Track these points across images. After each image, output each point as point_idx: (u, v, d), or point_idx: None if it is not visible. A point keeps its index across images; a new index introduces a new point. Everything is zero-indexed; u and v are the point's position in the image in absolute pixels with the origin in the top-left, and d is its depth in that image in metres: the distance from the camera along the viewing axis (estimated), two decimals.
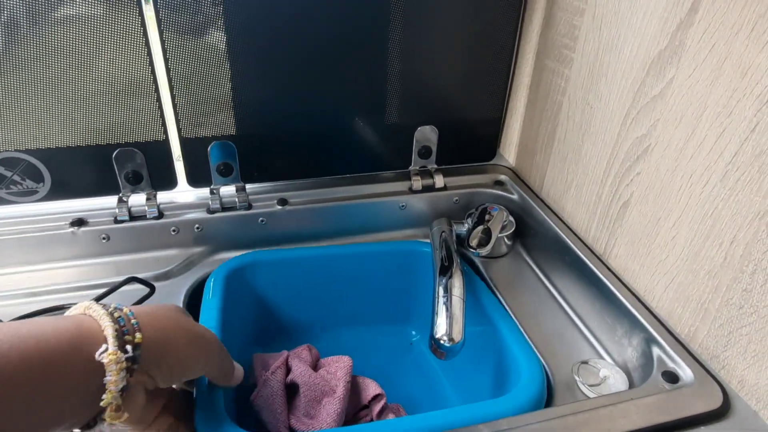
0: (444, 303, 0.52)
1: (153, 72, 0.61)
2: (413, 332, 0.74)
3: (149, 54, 0.60)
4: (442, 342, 0.49)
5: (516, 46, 0.75)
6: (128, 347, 0.35)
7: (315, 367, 0.60)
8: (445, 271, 0.55)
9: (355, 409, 0.58)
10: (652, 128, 0.53)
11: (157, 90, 0.62)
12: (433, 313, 0.52)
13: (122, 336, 0.35)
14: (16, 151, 0.61)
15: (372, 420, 0.57)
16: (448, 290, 0.53)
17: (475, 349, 0.63)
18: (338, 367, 0.57)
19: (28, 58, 0.57)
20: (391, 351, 0.71)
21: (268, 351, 0.62)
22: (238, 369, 0.49)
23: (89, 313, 0.36)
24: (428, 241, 0.70)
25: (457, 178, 0.77)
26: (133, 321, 0.37)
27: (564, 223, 0.68)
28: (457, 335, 0.49)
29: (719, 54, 0.45)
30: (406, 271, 0.71)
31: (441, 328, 0.50)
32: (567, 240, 0.65)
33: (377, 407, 0.57)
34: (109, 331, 0.34)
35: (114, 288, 0.59)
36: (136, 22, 0.58)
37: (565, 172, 0.68)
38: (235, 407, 0.56)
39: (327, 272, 0.69)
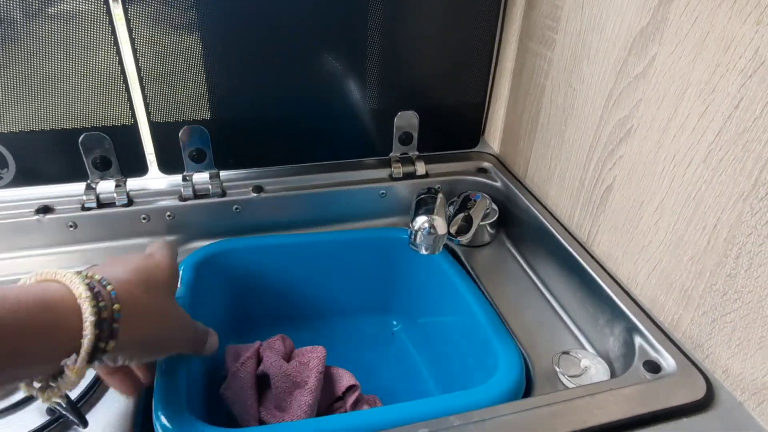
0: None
1: (118, 53, 0.59)
2: (394, 322, 0.71)
3: (113, 33, 0.58)
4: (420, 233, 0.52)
5: (499, 29, 0.73)
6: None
7: (288, 358, 0.58)
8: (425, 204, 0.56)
9: (329, 400, 0.56)
10: (634, 109, 0.51)
11: (123, 72, 0.60)
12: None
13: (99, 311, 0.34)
14: None
15: (346, 411, 0.55)
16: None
17: (454, 339, 0.61)
18: (311, 358, 0.55)
19: None
20: (371, 340, 0.69)
21: (242, 342, 0.60)
22: (212, 336, 0.48)
23: (58, 279, 0.35)
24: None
25: (439, 165, 0.75)
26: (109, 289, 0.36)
27: (548, 210, 0.65)
28: (441, 228, 0.53)
29: (702, 28, 0.43)
30: (385, 259, 0.69)
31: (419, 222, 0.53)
32: (550, 228, 0.63)
33: (351, 398, 0.55)
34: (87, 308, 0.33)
35: None
36: (100, 4, 0.55)
37: (548, 158, 0.66)
38: (206, 400, 0.54)
39: (303, 260, 0.67)
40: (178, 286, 0.52)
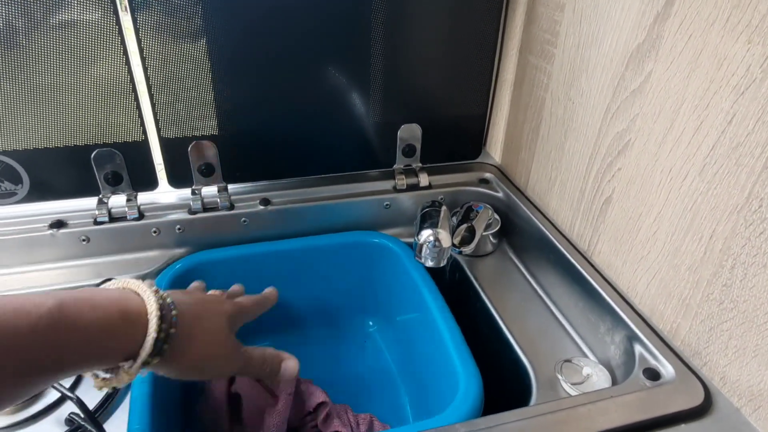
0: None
1: (130, 71, 0.60)
2: (370, 323, 0.74)
3: (125, 53, 0.59)
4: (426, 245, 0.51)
5: (500, 43, 0.74)
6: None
7: None
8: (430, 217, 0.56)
9: (300, 415, 0.57)
10: (631, 123, 0.52)
11: (134, 90, 0.61)
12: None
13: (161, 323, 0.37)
14: None
15: (317, 426, 0.56)
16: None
17: (422, 348, 0.63)
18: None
19: (4, 60, 0.56)
20: (347, 343, 0.73)
21: None
22: (288, 360, 0.50)
23: (138, 292, 0.38)
24: (385, 232, 0.73)
25: (442, 177, 0.77)
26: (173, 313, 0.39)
27: (549, 220, 0.67)
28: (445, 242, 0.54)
29: (695, 46, 0.45)
30: (361, 263, 0.71)
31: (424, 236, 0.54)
32: (551, 237, 0.64)
33: (322, 413, 0.57)
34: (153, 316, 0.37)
35: None
36: (112, 23, 0.57)
37: (549, 169, 0.68)
38: (182, 415, 0.56)
39: (279, 268, 0.69)
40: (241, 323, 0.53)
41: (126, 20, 0.58)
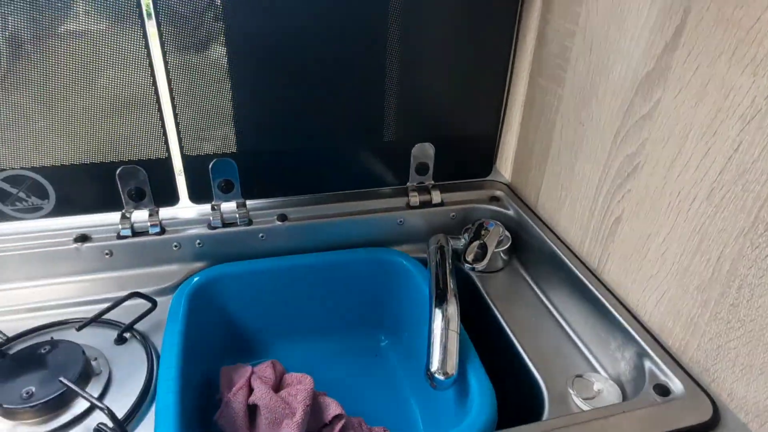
0: (440, 336, 0.53)
1: (156, 91, 0.63)
2: (382, 337, 0.76)
3: (152, 74, 0.62)
4: (437, 376, 0.50)
5: (511, 65, 0.77)
6: None
7: (279, 384, 0.62)
8: (441, 298, 0.56)
9: (317, 426, 0.59)
10: (641, 147, 0.55)
11: (159, 109, 0.64)
12: (429, 343, 0.53)
13: None
14: (22, 168, 0.63)
15: None
16: (444, 321, 0.54)
17: None
18: (299, 390, 0.59)
19: (33, 78, 0.59)
20: (360, 357, 0.74)
21: (238, 361, 0.64)
22: None
23: None
24: (396, 249, 0.74)
25: (453, 194, 0.79)
26: None
27: (558, 238, 0.69)
28: (451, 369, 0.51)
29: (703, 76, 0.47)
30: (374, 278, 0.73)
31: (436, 363, 0.51)
32: (561, 255, 0.66)
33: (338, 426, 0.58)
34: None
35: (117, 303, 0.60)
36: (139, 43, 0.60)
37: (559, 189, 0.70)
38: (201, 425, 0.57)
39: (294, 282, 0.71)
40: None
41: (153, 42, 0.61)
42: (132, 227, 0.68)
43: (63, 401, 0.51)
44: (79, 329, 0.57)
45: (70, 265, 0.67)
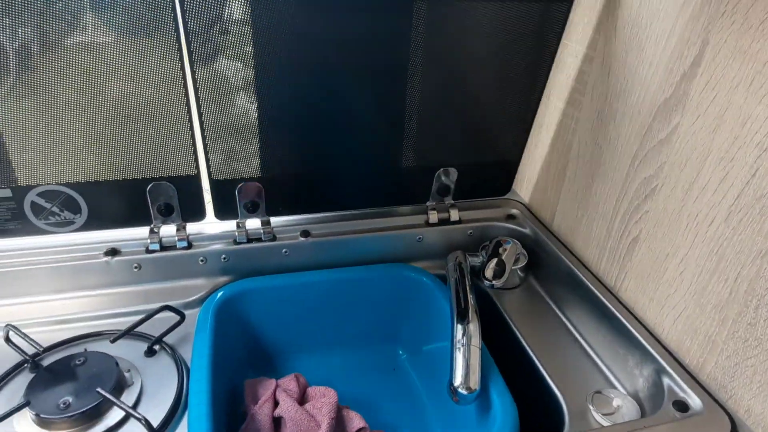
0: (463, 351, 0.55)
1: (189, 110, 0.65)
2: (400, 351, 0.77)
3: (186, 94, 0.64)
4: (460, 390, 0.52)
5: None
6: None
7: (303, 398, 0.63)
8: (463, 315, 0.58)
9: None
10: (659, 170, 0.57)
11: (191, 127, 0.66)
12: (452, 358, 0.55)
13: None
14: (57, 184, 0.65)
15: None
16: (466, 337, 0.56)
17: None
18: (324, 403, 0.60)
19: (70, 97, 0.61)
20: (379, 371, 0.76)
21: (262, 374, 0.66)
22: None
23: None
24: (415, 264, 0.76)
25: (471, 212, 0.81)
26: None
27: (575, 256, 0.71)
28: (474, 384, 0.52)
29: (721, 104, 0.49)
30: (394, 293, 0.75)
31: (459, 377, 0.53)
32: (578, 273, 0.68)
33: None
34: None
35: (149, 315, 0.62)
36: (175, 64, 0.62)
37: (575, 208, 0.72)
38: None
39: (316, 297, 0.73)
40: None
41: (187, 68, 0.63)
42: (160, 242, 0.70)
43: (98, 412, 0.52)
44: (113, 341, 0.59)
45: (100, 278, 0.68)
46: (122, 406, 0.50)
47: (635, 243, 0.61)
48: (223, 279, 0.72)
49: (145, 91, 0.62)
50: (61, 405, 0.51)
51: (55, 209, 0.66)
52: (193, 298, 0.69)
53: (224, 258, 0.71)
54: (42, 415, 0.50)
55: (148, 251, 0.69)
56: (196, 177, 0.69)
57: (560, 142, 0.74)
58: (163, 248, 0.70)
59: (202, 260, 0.71)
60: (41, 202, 0.65)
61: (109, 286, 0.69)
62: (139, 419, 0.49)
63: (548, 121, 0.78)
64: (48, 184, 0.64)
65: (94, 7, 0.57)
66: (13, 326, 0.59)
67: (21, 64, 0.58)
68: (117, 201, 0.68)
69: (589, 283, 0.66)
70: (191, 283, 0.71)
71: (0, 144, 0.61)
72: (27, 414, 0.51)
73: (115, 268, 0.68)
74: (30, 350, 0.58)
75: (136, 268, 0.69)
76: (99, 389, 0.51)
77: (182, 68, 0.62)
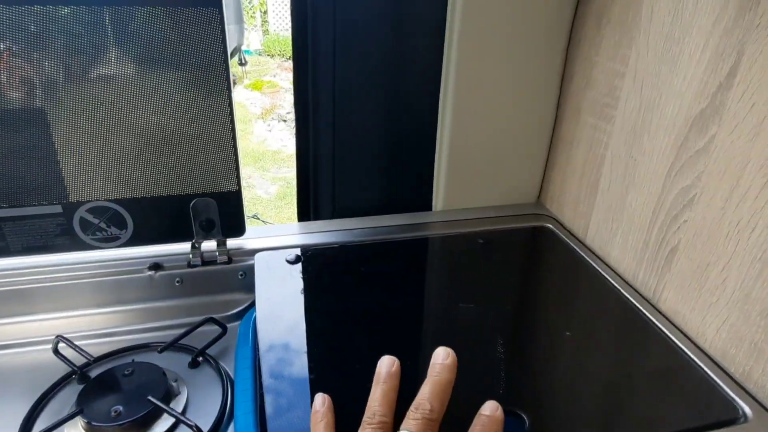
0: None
1: (233, 128, 0.67)
2: None
3: (231, 113, 0.66)
4: None
5: (557, 105, 0.81)
6: None
7: None
8: None
9: None
10: (696, 179, 0.57)
11: (234, 144, 0.68)
12: None
13: None
14: (105, 200, 0.67)
15: None
16: None
17: None
18: None
19: (122, 117, 0.63)
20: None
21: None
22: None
23: None
24: None
25: (500, 225, 0.82)
26: None
27: (611, 268, 0.71)
28: None
29: (759, 113, 0.50)
30: None
31: None
32: (615, 285, 0.68)
33: None
34: None
35: (194, 327, 0.63)
36: (223, 86, 0.64)
37: (610, 221, 0.72)
38: None
39: None
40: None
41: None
42: (202, 256, 0.71)
43: (148, 420, 0.53)
44: (161, 351, 0.60)
45: (143, 293, 0.70)
46: (174, 413, 0.51)
47: (674, 253, 0.61)
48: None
49: (192, 111, 0.65)
50: (113, 413, 0.52)
51: (103, 225, 0.68)
52: (233, 311, 0.70)
53: None
54: (94, 423, 0.51)
55: (189, 266, 0.71)
56: (237, 193, 0.71)
57: (592, 156, 0.75)
58: (204, 263, 0.71)
59: (241, 275, 0.72)
60: (89, 217, 0.67)
61: (152, 300, 0.71)
62: (190, 426, 0.50)
63: (578, 137, 0.79)
64: (97, 200, 0.67)
65: (140, 42, 0.60)
66: (64, 337, 0.61)
67: (76, 88, 0.61)
68: (161, 217, 0.70)
69: (627, 294, 0.66)
70: (231, 297, 0.72)
71: (54, 162, 0.63)
72: (78, 423, 0.52)
73: (158, 283, 0.70)
74: (79, 361, 0.59)
75: (178, 282, 0.71)
76: (150, 397, 0.52)
77: (228, 88, 0.65)
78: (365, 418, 0.41)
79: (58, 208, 0.66)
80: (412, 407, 0.40)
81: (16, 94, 0.59)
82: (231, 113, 0.66)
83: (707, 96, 0.55)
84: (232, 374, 0.60)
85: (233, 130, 0.67)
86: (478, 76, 0.76)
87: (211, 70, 0.63)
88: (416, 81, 0.79)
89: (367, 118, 0.80)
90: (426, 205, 0.87)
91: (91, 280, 0.69)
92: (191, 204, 0.70)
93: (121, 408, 0.53)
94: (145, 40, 0.60)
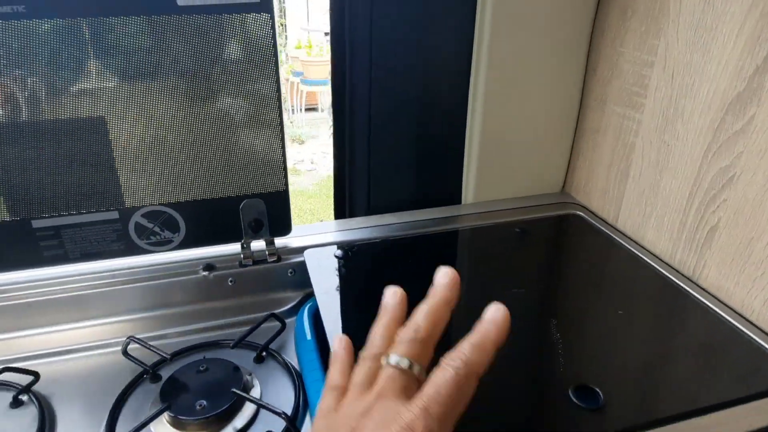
0: None
1: (282, 129, 0.69)
2: None
3: (280, 114, 0.68)
4: None
5: (580, 96, 0.84)
6: None
7: None
8: None
9: None
10: (736, 159, 0.61)
11: (283, 146, 0.70)
12: None
13: None
14: (159, 204, 0.68)
15: None
16: None
17: None
18: None
19: (177, 123, 0.65)
20: None
21: None
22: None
23: None
24: None
25: (525, 214, 0.85)
26: None
27: (647, 250, 0.74)
28: None
29: None
30: None
31: None
32: (654, 265, 0.71)
33: None
34: None
35: (258, 324, 0.65)
36: (272, 86, 0.66)
37: (642, 205, 0.75)
38: None
39: None
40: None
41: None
42: (252, 256, 0.73)
43: (231, 413, 0.55)
44: (233, 347, 0.62)
45: (199, 293, 0.72)
46: (259, 402, 0.53)
47: (713, 231, 0.64)
48: (311, 289, 0.75)
49: (243, 115, 0.67)
50: (198, 407, 0.54)
51: (157, 229, 0.70)
52: (285, 308, 0.72)
53: None
54: (181, 418, 0.53)
55: (241, 266, 0.73)
56: (284, 192, 0.73)
57: (621, 143, 0.78)
58: (255, 262, 0.73)
59: (291, 272, 0.74)
60: (144, 222, 0.69)
61: (207, 300, 0.72)
62: (279, 413, 0.51)
63: (604, 126, 0.82)
64: (152, 204, 0.68)
65: (196, 50, 0.62)
66: (136, 338, 0.62)
67: (135, 97, 0.62)
68: (211, 218, 0.72)
69: (666, 273, 0.69)
70: (282, 294, 0.74)
71: (113, 169, 0.64)
72: (164, 419, 0.54)
73: (212, 283, 0.72)
74: (149, 361, 0.61)
75: (231, 281, 0.72)
76: (234, 389, 0.54)
77: (278, 91, 0.67)
78: (363, 353, 0.37)
79: (115, 214, 0.67)
80: (400, 330, 0.37)
81: (79, 103, 0.61)
82: (280, 115, 0.68)
83: (744, 79, 0.58)
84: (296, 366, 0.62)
85: (282, 131, 0.69)
86: (507, 72, 0.79)
87: (262, 74, 0.65)
88: (444, 80, 0.81)
89: (400, 119, 0.82)
90: (452, 198, 0.90)
91: (146, 283, 0.70)
92: (241, 205, 0.71)
93: (204, 402, 0.54)
94: (201, 48, 0.62)
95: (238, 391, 0.54)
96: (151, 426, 0.53)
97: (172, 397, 0.54)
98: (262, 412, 0.55)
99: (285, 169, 0.72)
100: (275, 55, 0.65)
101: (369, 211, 0.87)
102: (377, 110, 0.79)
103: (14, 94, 0.59)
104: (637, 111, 0.75)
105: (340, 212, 0.88)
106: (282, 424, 0.52)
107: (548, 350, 0.56)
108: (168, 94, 0.63)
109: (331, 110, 0.82)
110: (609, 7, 0.78)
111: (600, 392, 0.51)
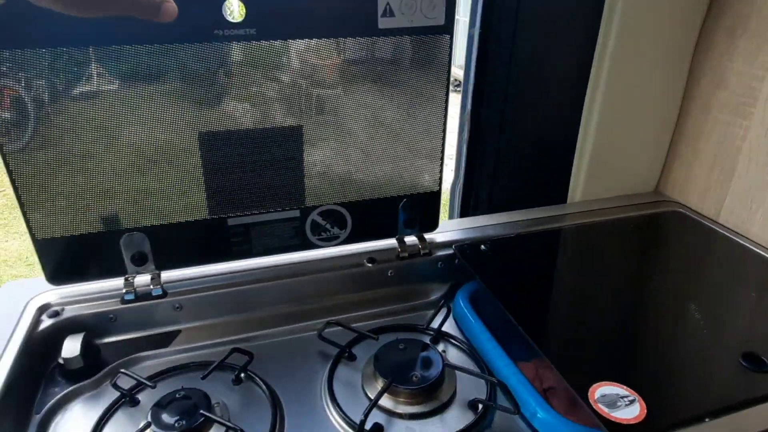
0: None
1: (444, 138, 0.77)
2: None
3: (444, 127, 0.77)
4: None
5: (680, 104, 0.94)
6: None
7: None
8: None
9: None
10: None
11: (443, 152, 0.78)
12: None
13: None
14: (333, 204, 0.77)
15: None
16: None
17: None
18: None
19: (356, 128, 0.73)
20: None
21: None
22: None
23: None
24: None
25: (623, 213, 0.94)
26: None
27: (754, 242, 0.83)
28: None
29: None
30: None
31: None
32: (762, 253, 0.80)
33: None
34: None
35: (438, 310, 0.74)
36: (442, 100, 0.75)
37: (748, 202, 0.85)
38: None
39: None
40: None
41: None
42: (408, 251, 0.81)
43: (438, 384, 0.63)
44: (424, 331, 0.70)
45: (363, 283, 0.80)
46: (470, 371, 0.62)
47: None
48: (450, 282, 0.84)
49: (412, 124, 0.75)
50: (413, 378, 0.62)
51: (328, 226, 0.78)
52: (433, 298, 0.81)
53: (457, 261, 0.83)
54: (402, 387, 0.61)
55: (398, 258, 0.81)
56: (437, 193, 0.81)
57: (726, 147, 0.88)
58: (410, 256, 0.81)
59: (441, 264, 0.83)
60: (319, 220, 0.77)
61: (369, 289, 0.80)
62: (493, 382, 0.60)
63: (706, 132, 0.91)
64: (327, 204, 0.76)
65: (380, 67, 0.70)
66: (334, 321, 0.70)
67: (328, 107, 0.70)
68: (374, 216, 0.80)
69: None
70: (432, 284, 0.83)
71: (301, 172, 0.72)
72: (381, 385, 0.62)
73: (374, 274, 0.80)
74: (344, 340, 0.69)
75: (390, 273, 0.80)
76: (447, 362, 0.63)
77: (446, 102, 0.75)
78: None
79: (297, 213, 0.75)
80: None
81: (285, 113, 0.69)
82: (444, 128, 0.76)
83: None
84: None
85: (444, 139, 0.77)
86: (621, 84, 0.88)
87: (435, 88, 0.73)
88: (563, 89, 0.90)
89: (523, 124, 0.91)
90: (556, 198, 0.98)
91: (322, 274, 0.78)
92: (401, 204, 0.80)
93: (419, 373, 0.62)
94: (385, 65, 0.70)
95: (448, 363, 0.62)
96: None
97: (391, 369, 0.63)
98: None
99: (441, 173, 0.80)
100: (449, 71, 0.73)
101: (491, 209, 0.96)
102: (510, 117, 0.88)
103: (229, 108, 0.67)
104: (745, 119, 0.84)
105: (465, 210, 0.97)
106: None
107: (708, 324, 0.65)
108: (359, 106, 0.71)
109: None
110: (715, 28, 0.87)
111: (766, 360, 0.60)
